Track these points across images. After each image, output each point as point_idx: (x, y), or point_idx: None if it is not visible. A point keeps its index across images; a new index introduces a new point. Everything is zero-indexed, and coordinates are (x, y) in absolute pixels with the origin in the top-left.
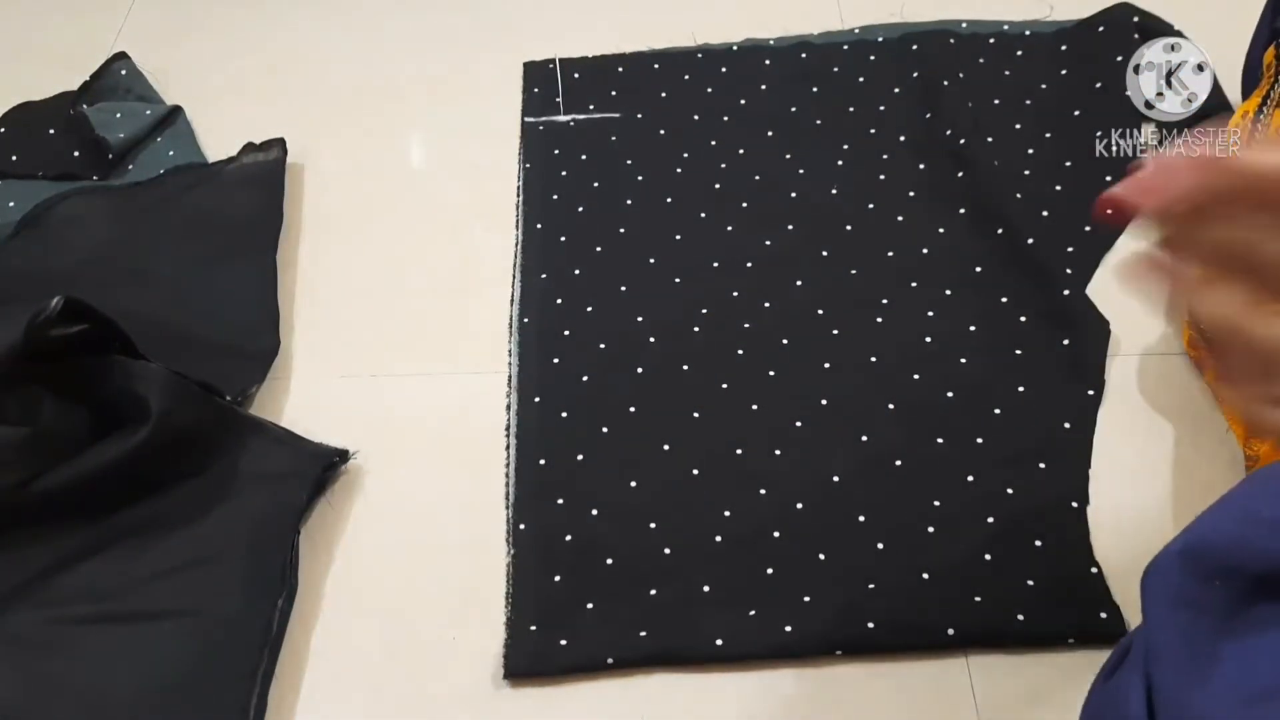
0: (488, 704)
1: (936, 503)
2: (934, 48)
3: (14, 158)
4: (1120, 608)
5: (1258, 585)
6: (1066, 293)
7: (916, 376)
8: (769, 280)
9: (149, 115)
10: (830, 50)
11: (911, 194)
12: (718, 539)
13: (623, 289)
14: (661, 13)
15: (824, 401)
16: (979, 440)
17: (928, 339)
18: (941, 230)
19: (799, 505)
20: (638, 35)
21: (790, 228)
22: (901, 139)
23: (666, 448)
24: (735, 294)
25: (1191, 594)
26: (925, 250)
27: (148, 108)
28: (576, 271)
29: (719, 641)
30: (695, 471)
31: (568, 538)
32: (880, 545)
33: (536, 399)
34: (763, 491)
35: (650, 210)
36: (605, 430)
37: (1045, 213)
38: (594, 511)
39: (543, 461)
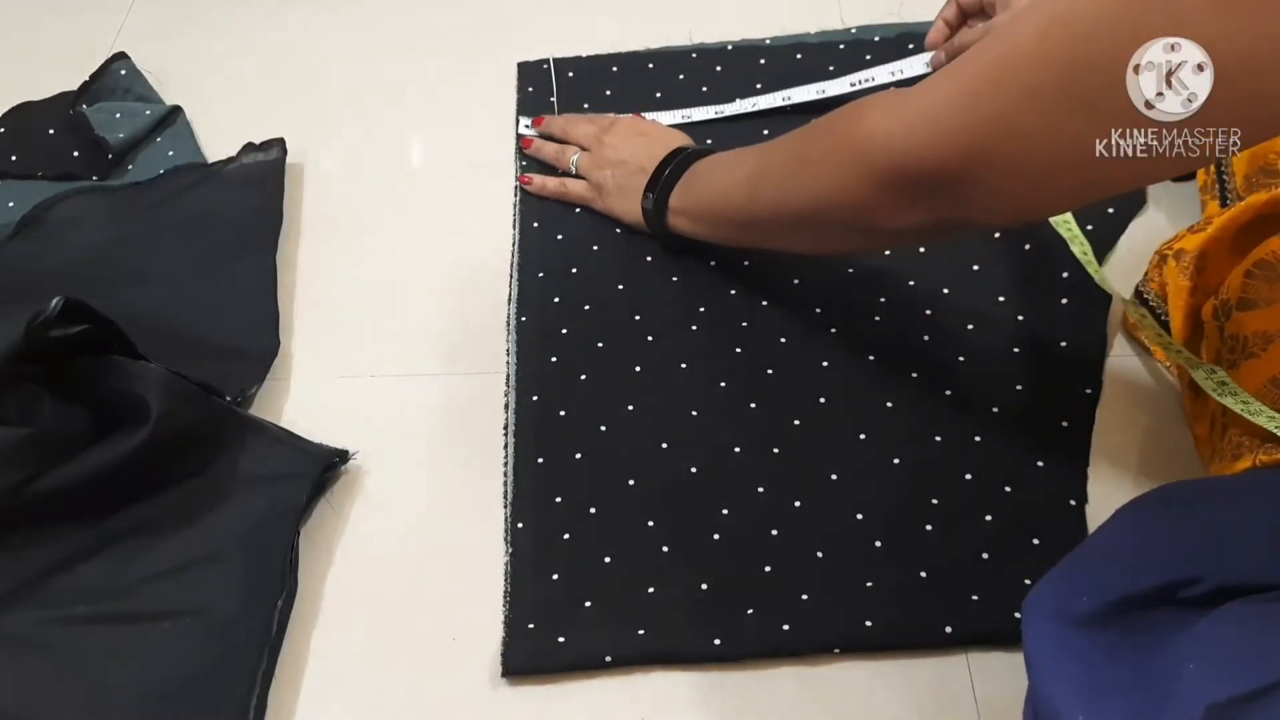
0: (486, 703)
1: (935, 501)
2: None
3: (14, 158)
4: None
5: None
6: (1065, 292)
7: (914, 375)
8: (766, 278)
9: (149, 115)
10: (826, 49)
11: None
12: (715, 537)
13: (620, 287)
14: (659, 12)
15: (822, 400)
16: (977, 439)
17: (925, 337)
18: None
19: (797, 503)
20: (635, 34)
21: None
22: None
23: (665, 446)
24: (733, 292)
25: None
26: (922, 249)
27: (147, 108)
28: (574, 270)
29: (717, 640)
30: (693, 470)
31: (566, 536)
32: (878, 544)
33: (535, 398)
34: (761, 490)
35: None
36: (603, 429)
37: None
38: (592, 510)
39: (541, 460)
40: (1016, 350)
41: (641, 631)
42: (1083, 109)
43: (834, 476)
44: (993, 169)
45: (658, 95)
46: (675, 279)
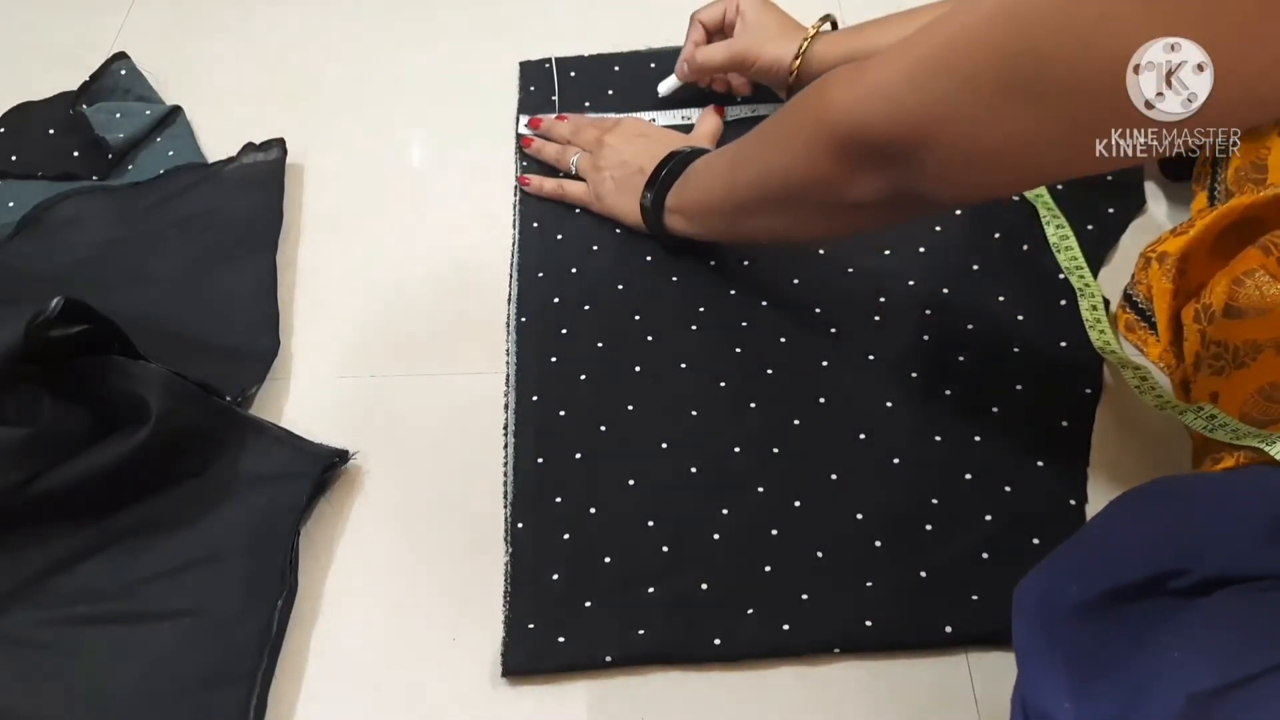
0: (486, 703)
1: (934, 501)
2: None
3: (14, 158)
4: None
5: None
6: (1065, 293)
7: (914, 375)
8: (766, 278)
9: (149, 115)
10: None
11: None
12: (716, 537)
13: (620, 287)
14: (660, 12)
15: (822, 399)
16: (977, 438)
17: (925, 337)
18: (938, 228)
19: (797, 503)
20: (637, 34)
21: None
22: None
23: (665, 446)
24: (733, 292)
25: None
26: (922, 249)
27: (147, 108)
28: (574, 270)
29: (717, 640)
30: (693, 470)
31: (566, 536)
32: (878, 543)
33: (535, 398)
34: (761, 490)
35: None
36: (603, 429)
37: None
38: (592, 510)
39: (541, 460)
40: (1016, 350)
41: (641, 631)
42: (1023, 98)
43: (834, 476)
44: (940, 145)
45: (658, 94)
46: (675, 279)
